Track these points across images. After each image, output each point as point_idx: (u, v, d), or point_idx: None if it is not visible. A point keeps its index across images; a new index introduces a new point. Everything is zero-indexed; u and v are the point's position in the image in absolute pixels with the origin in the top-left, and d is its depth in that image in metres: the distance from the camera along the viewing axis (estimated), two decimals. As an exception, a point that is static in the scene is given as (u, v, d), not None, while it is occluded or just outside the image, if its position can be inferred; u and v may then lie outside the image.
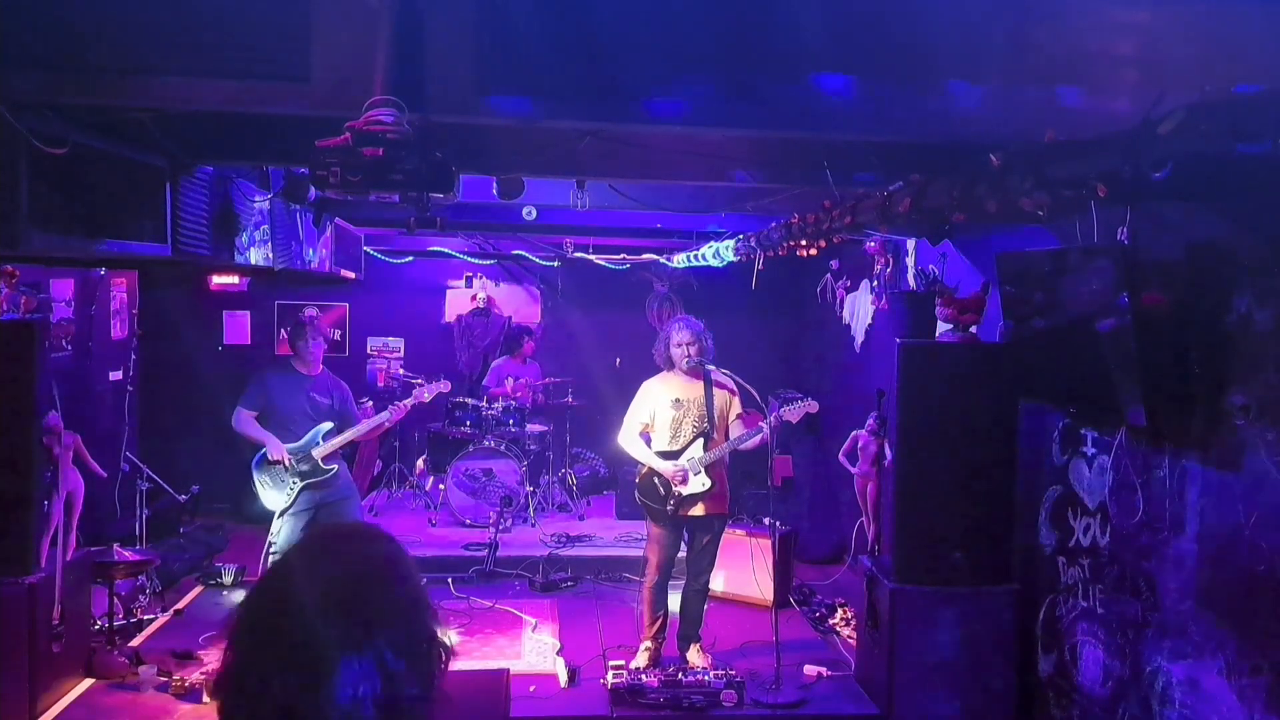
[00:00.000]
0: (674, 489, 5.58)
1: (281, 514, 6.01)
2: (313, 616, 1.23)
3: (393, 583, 1.32)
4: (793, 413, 5.66)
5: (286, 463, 5.91)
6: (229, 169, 5.53)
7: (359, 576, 1.30)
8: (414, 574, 1.37)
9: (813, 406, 5.75)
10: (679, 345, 5.66)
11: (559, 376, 9.61)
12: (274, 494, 6.00)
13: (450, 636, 1.37)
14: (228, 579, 7.22)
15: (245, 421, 6.03)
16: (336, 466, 6.11)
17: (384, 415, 6.28)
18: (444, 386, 6.75)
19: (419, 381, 7.27)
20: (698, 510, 5.64)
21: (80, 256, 5.94)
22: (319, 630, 1.22)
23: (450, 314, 10.78)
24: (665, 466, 5.60)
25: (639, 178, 5.68)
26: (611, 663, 5.55)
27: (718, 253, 8.19)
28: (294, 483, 5.95)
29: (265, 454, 5.98)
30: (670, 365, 5.74)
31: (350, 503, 6.33)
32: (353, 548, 1.36)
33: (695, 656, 5.79)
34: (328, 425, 6.09)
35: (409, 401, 6.36)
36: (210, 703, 1.27)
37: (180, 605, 6.75)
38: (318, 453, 6.00)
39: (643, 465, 5.77)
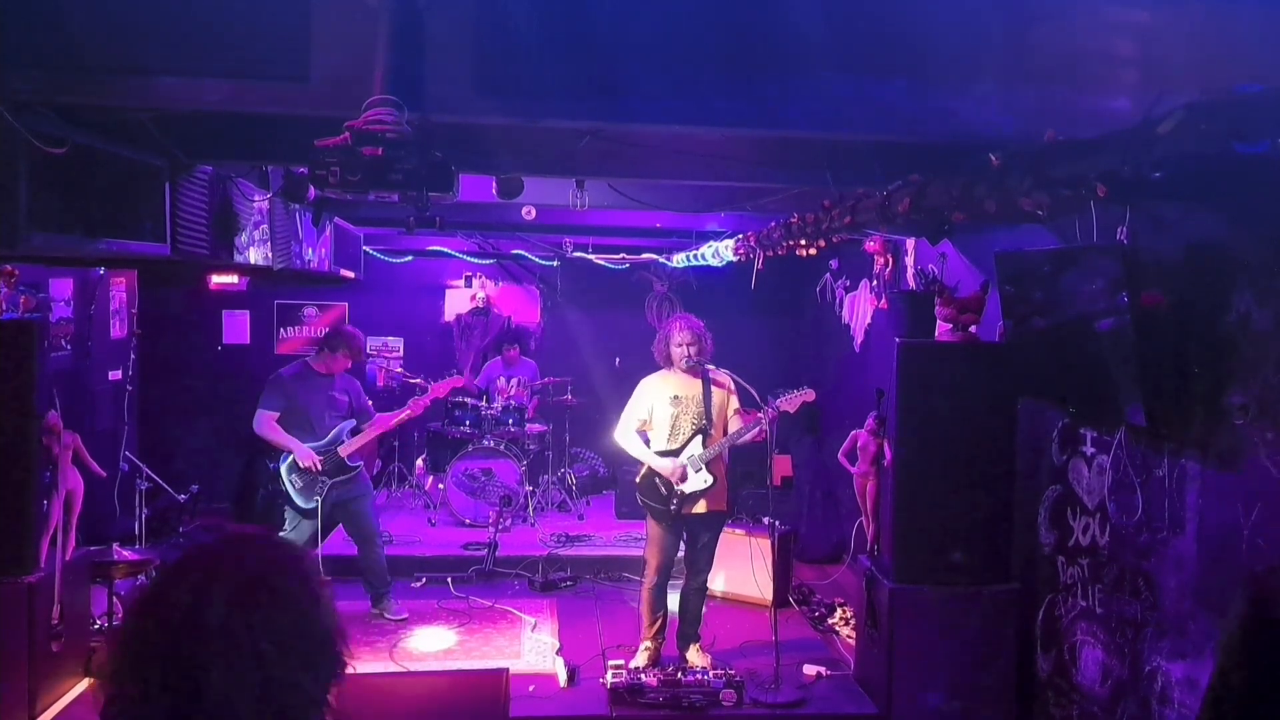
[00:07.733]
0: (676, 488, 5.58)
1: (301, 511, 6.00)
2: (196, 610, 1.25)
3: (286, 584, 1.33)
4: (790, 403, 5.63)
5: (317, 467, 5.91)
6: (228, 169, 5.53)
7: (251, 577, 1.31)
8: (314, 581, 1.37)
9: (809, 395, 5.72)
10: (679, 344, 5.65)
11: (558, 376, 9.61)
12: (306, 494, 6.01)
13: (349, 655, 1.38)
14: (227, 578, 7.20)
15: (268, 424, 6.00)
16: (361, 464, 6.14)
17: (404, 410, 6.36)
18: (457, 382, 7.00)
19: (417, 381, 7.29)
20: (699, 508, 5.63)
21: (79, 256, 5.95)
22: (199, 622, 1.23)
23: (450, 313, 10.78)
24: (664, 465, 5.60)
25: (638, 177, 5.67)
26: (611, 662, 5.56)
27: (717, 252, 8.19)
28: (324, 482, 5.96)
29: (294, 459, 5.98)
30: (669, 363, 5.73)
31: (366, 500, 6.35)
32: (251, 550, 1.37)
33: (695, 656, 5.79)
34: (351, 423, 6.11)
35: (427, 398, 6.43)
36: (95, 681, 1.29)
37: (179, 605, 6.75)
38: (343, 450, 6.02)
39: (643, 465, 5.77)
